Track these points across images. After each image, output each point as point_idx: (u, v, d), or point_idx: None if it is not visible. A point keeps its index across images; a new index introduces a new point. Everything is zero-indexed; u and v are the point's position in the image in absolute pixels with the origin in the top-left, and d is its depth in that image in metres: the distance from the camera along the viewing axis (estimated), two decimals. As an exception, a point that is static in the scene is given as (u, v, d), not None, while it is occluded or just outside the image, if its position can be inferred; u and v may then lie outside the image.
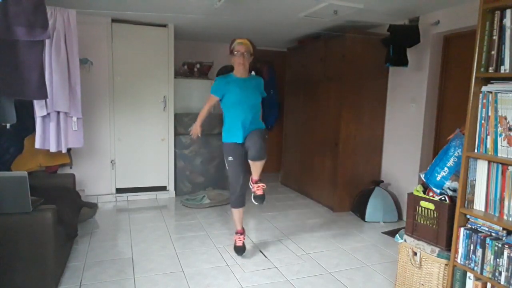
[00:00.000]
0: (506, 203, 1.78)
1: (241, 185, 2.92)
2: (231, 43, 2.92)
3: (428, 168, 2.29)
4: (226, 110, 2.95)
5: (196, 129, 3.03)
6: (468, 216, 1.99)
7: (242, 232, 3.03)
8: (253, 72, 2.93)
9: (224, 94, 2.89)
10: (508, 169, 1.77)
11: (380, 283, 2.64)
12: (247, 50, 2.84)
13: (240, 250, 2.96)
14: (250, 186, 2.95)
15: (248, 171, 2.94)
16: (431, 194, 2.25)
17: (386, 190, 4.07)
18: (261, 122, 3.03)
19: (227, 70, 5.76)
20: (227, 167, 3.00)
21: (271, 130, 6.28)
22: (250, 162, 2.87)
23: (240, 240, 3.00)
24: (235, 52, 2.84)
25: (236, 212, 3.01)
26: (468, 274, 1.96)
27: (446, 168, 2.17)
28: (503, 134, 1.79)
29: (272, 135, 6.31)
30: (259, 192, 2.87)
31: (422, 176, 2.31)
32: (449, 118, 3.71)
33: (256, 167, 2.87)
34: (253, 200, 2.90)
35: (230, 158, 2.92)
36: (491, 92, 1.84)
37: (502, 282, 1.76)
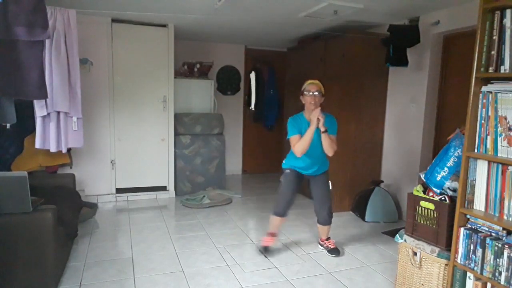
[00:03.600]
0: (506, 203, 1.78)
1: (289, 197, 2.96)
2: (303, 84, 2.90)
3: (428, 168, 2.29)
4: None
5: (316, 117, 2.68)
6: (468, 216, 1.99)
7: (274, 235, 3.07)
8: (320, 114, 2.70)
9: (300, 134, 2.79)
10: (508, 169, 1.77)
11: (380, 283, 2.64)
12: (318, 90, 2.77)
13: (265, 250, 3.03)
14: (321, 244, 3.19)
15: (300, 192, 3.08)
16: (431, 194, 2.25)
17: (386, 190, 4.07)
18: (326, 163, 3.00)
19: (226, 70, 5.79)
20: (281, 180, 3.00)
21: (271, 130, 6.29)
22: (318, 225, 3.11)
23: (268, 241, 3.05)
24: (306, 92, 2.79)
25: (274, 219, 3.04)
26: (468, 274, 1.96)
27: (446, 168, 2.17)
28: (503, 134, 1.79)
29: (272, 135, 6.32)
30: (332, 246, 3.10)
31: (422, 176, 2.31)
32: (449, 118, 3.71)
33: (323, 230, 3.12)
34: (328, 254, 3.08)
35: (288, 171, 2.97)
36: (491, 92, 1.84)
37: (502, 282, 1.76)
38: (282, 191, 3.00)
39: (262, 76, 6.16)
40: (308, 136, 2.69)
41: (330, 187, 3.03)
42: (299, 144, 2.72)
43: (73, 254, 2.93)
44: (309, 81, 2.86)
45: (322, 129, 2.69)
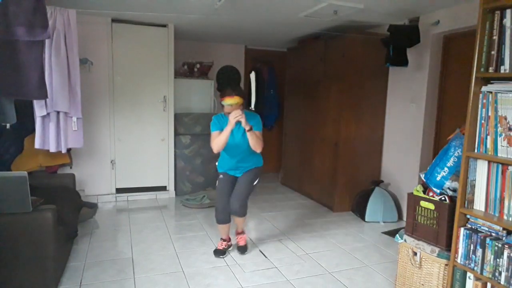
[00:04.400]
0: (506, 203, 1.78)
1: (224, 203, 2.94)
2: (222, 93, 2.85)
3: (428, 168, 2.29)
4: None
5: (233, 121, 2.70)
6: (468, 216, 1.99)
7: (226, 240, 3.10)
8: (252, 107, 2.77)
9: (220, 131, 2.84)
10: (508, 169, 1.77)
11: (380, 283, 2.64)
12: (237, 105, 2.77)
13: (218, 252, 3.02)
14: (235, 237, 3.18)
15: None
16: (431, 194, 2.25)
17: (386, 190, 4.07)
18: (257, 159, 3.04)
19: (226, 70, 5.80)
20: (217, 186, 3.05)
21: (271, 130, 6.29)
22: (231, 215, 3.02)
23: (222, 245, 3.06)
24: (226, 106, 2.81)
25: (219, 227, 3.06)
26: (468, 274, 1.96)
27: (446, 168, 2.17)
28: (503, 134, 1.79)
29: (272, 135, 6.32)
30: (241, 243, 3.11)
31: (422, 176, 2.31)
32: (449, 118, 3.71)
33: (236, 222, 3.09)
34: (237, 250, 3.09)
35: (221, 176, 3.06)
36: (491, 92, 1.84)
37: (502, 282, 1.76)
38: (216, 198, 3.01)
39: (262, 76, 6.16)
40: (224, 134, 2.73)
41: (255, 183, 3.01)
42: (215, 142, 2.79)
43: (73, 254, 2.93)
44: (228, 101, 2.77)
45: (247, 128, 2.71)
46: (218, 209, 2.97)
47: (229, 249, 3.11)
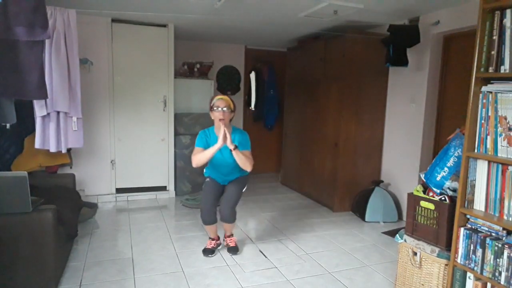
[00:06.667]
0: (506, 203, 1.78)
1: (210, 205, 2.94)
2: (211, 99, 2.95)
3: (428, 168, 2.29)
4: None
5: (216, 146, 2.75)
6: (468, 216, 1.99)
7: (215, 239, 3.11)
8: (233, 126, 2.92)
9: (204, 148, 2.89)
10: (508, 169, 1.77)
11: (380, 283, 2.64)
12: (227, 106, 2.82)
13: (207, 252, 3.04)
14: (223, 241, 3.20)
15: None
16: (431, 194, 2.25)
17: (386, 190, 4.07)
18: (242, 172, 3.03)
19: (226, 70, 5.79)
20: (203, 187, 3.07)
21: (271, 130, 6.29)
22: (222, 222, 3.04)
23: (210, 244, 3.08)
24: (214, 108, 2.83)
25: (207, 228, 3.07)
26: (468, 274, 1.96)
27: (446, 168, 2.17)
28: (503, 134, 1.79)
29: (272, 135, 6.32)
30: (232, 244, 3.11)
31: (422, 176, 2.31)
32: (449, 118, 3.71)
33: (227, 227, 3.12)
34: (227, 252, 3.08)
35: (207, 179, 3.09)
36: (491, 92, 1.84)
37: (502, 282, 1.76)
38: (202, 199, 3.02)
39: (262, 76, 6.16)
40: (210, 152, 2.75)
41: (243, 190, 3.06)
42: (197, 157, 2.81)
43: (73, 254, 2.94)
44: (218, 97, 2.88)
45: (231, 147, 2.72)
46: (203, 210, 2.95)
47: (218, 248, 3.12)
